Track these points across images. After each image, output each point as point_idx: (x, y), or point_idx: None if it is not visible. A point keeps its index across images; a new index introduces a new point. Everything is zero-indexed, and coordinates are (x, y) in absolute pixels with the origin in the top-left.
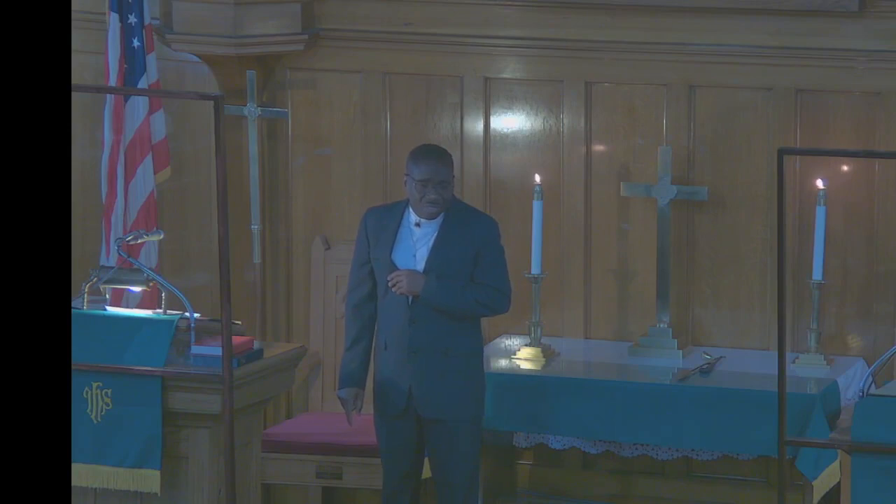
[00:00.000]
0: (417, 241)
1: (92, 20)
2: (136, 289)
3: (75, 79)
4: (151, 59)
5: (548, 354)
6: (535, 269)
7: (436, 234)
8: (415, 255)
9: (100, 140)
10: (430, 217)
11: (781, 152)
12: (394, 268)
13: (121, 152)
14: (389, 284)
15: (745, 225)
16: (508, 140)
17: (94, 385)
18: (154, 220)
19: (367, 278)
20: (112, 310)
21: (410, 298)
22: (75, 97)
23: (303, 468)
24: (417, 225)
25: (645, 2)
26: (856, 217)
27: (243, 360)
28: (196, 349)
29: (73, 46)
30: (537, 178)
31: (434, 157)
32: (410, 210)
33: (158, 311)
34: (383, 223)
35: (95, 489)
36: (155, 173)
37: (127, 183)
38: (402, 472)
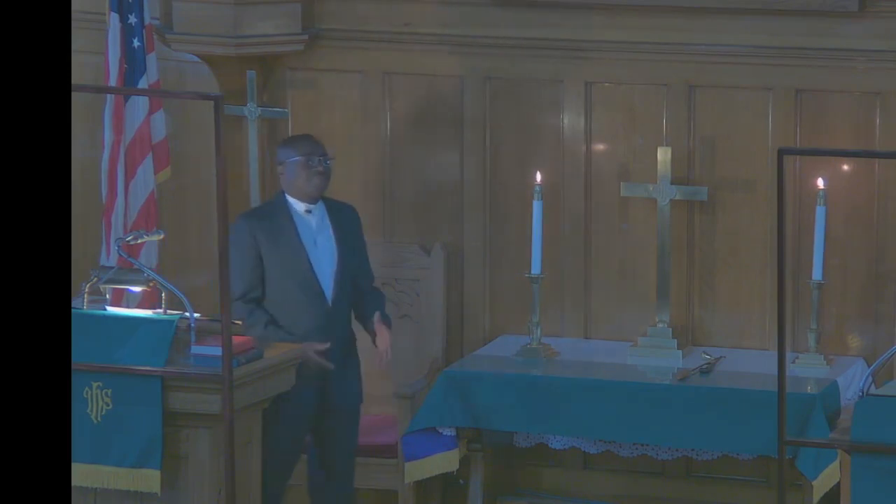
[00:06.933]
0: (316, 232)
1: (92, 20)
2: (136, 289)
3: (75, 79)
4: (151, 59)
5: (548, 354)
6: (535, 269)
7: (331, 227)
8: (315, 242)
9: (100, 140)
10: (320, 190)
11: (781, 152)
12: (311, 270)
13: (121, 152)
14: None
15: (745, 225)
16: (509, 140)
17: (94, 385)
18: (154, 220)
19: (260, 282)
20: (112, 310)
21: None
22: (75, 97)
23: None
24: (308, 212)
25: (645, 2)
26: (856, 217)
27: (243, 360)
28: (196, 349)
29: (73, 46)
30: (537, 177)
31: (309, 137)
32: (292, 200)
33: (158, 311)
34: (268, 223)
35: (95, 489)
36: (155, 173)
37: (127, 183)
38: None
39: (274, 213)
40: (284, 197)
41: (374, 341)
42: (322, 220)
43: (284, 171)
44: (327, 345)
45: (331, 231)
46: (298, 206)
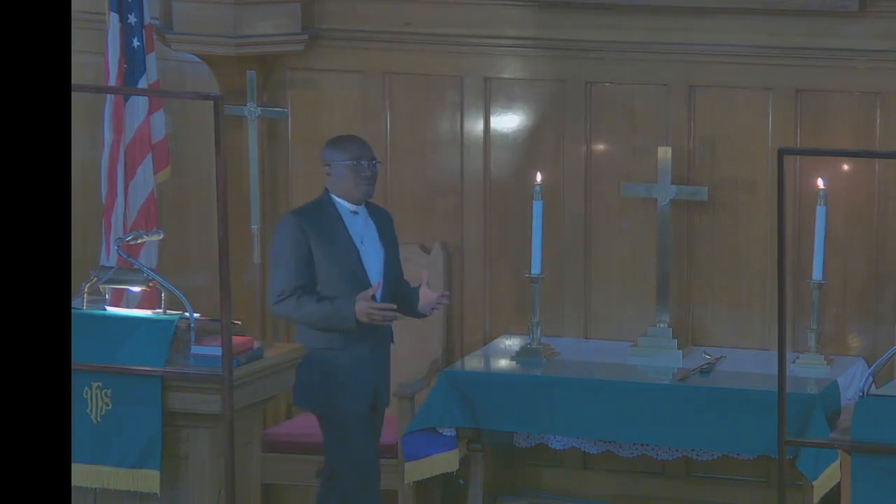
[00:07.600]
0: (362, 232)
1: (92, 20)
2: (136, 289)
3: (75, 79)
4: (151, 59)
5: (548, 354)
6: (535, 269)
7: (375, 228)
8: (362, 241)
9: (100, 140)
10: (367, 195)
11: (781, 152)
12: (361, 264)
13: (121, 152)
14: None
15: (745, 225)
16: (508, 140)
17: (94, 385)
18: (154, 220)
19: (312, 276)
20: (112, 310)
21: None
22: (75, 97)
23: (303, 468)
24: (355, 213)
25: (645, 2)
26: (856, 217)
27: (243, 360)
28: (196, 349)
29: (73, 46)
30: (537, 178)
31: (357, 139)
32: (339, 200)
33: (158, 311)
34: (318, 220)
35: (95, 489)
36: (155, 173)
37: (127, 183)
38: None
39: (323, 211)
40: (330, 196)
41: (422, 309)
42: (367, 220)
43: (331, 173)
44: (375, 287)
45: (375, 231)
46: (345, 205)
